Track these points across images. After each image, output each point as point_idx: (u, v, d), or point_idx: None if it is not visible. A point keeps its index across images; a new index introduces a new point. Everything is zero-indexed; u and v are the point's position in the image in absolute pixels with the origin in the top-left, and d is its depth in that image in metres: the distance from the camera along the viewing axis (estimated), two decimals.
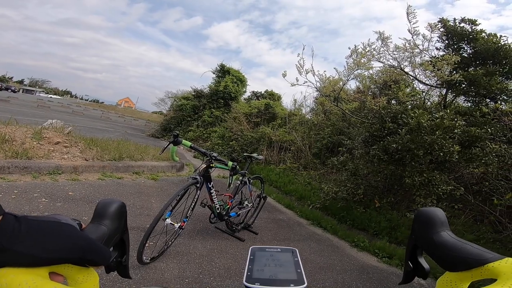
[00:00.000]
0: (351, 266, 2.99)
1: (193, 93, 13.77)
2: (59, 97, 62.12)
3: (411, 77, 5.52)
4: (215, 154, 2.46)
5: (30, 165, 3.51)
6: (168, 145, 2.28)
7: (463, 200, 3.98)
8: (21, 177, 3.30)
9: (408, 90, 5.93)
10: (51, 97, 49.74)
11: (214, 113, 12.46)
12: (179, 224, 2.26)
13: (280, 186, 6.38)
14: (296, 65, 5.13)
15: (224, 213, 2.84)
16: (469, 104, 5.39)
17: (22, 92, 50.11)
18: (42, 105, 18.91)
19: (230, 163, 2.47)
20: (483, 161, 3.62)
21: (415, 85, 6.18)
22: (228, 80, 12.75)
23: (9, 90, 37.92)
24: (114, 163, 4.52)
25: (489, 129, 3.85)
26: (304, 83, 5.33)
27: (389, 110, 3.97)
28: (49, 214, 0.36)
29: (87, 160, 4.21)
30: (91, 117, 19.04)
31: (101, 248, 0.38)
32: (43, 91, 65.74)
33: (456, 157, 3.51)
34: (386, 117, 3.88)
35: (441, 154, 3.42)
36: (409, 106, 4.33)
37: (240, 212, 3.18)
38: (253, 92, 16.22)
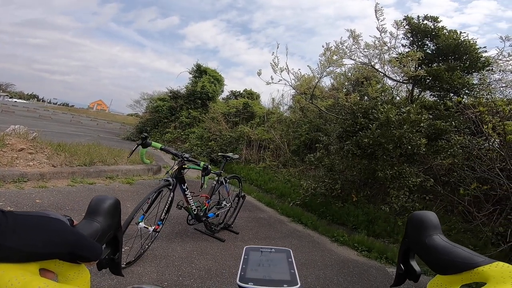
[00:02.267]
0: (332, 261, 3.05)
1: (169, 94, 13.45)
2: (25, 101, 58.17)
3: (381, 74, 5.74)
4: (186, 155, 2.42)
5: None
6: (136, 148, 2.21)
7: (434, 191, 4.11)
8: None
9: (379, 86, 6.17)
10: (15, 101, 46.55)
11: (191, 113, 12.26)
12: (153, 228, 2.20)
13: (260, 185, 6.40)
14: (270, 63, 5.17)
15: (202, 214, 2.81)
16: (435, 99, 5.70)
17: None
18: (6, 110, 17.62)
19: (202, 163, 2.44)
20: (449, 152, 3.81)
21: (385, 81, 6.43)
22: (205, 80, 12.59)
23: None
24: (85, 168, 4.31)
25: (453, 122, 4.06)
26: (279, 81, 5.38)
27: (360, 106, 4.11)
28: (38, 210, 0.35)
29: (54, 167, 3.98)
30: (60, 121, 18.00)
31: (91, 243, 0.37)
32: (7, 95, 61.29)
33: (424, 149, 3.69)
34: (357, 113, 4.01)
35: (409, 147, 3.59)
36: (379, 102, 4.50)
37: (218, 212, 3.15)
38: (231, 91, 16.14)
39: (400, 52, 5.37)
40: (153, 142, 2.26)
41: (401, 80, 5.73)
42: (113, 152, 5.57)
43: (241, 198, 3.59)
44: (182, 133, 11.66)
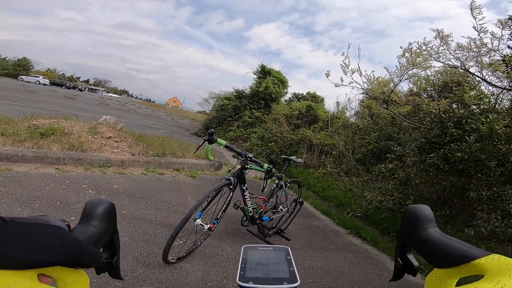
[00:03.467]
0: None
1: (235, 93, 14.00)
2: (118, 96, 68.79)
3: (478, 79, 4.82)
4: (250, 155, 2.35)
5: (84, 157, 3.82)
6: (203, 143, 2.23)
7: None
8: (74, 168, 3.59)
9: (473, 92, 5.19)
10: (111, 95, 55.32)
11: (254, 113, 12.50)
12: (208, 226, 2.20)
13: (318, 191, 6.11)
14: (340, 64, 4.82)
15: (257, 216, 2.73)
16: None
17: (87, 90, 56.60)
18: (103, 103, 21.08)
19: (265, 165, 2.34)
20: None
21: (482, 87, 5.39)
22: (269, 81, 12.69)
23: (76, 89, 43.04)
24: (157, 159, 4.72)
25: None
26: (349, 84, 4.98)
27: (451, 114, 3.46)
28: (37, 215, 0.35)
29: (133, 155, 4.46)
30: (142, 114, 20.64)
31: (90, 249, 0.37)
32: (105, 90, 73.53)
33: None
34: (448, 122, 3.38)
35: None
36: (476, 110, 3.74)
37: (273, 216, 3.04)
38: (294, 93, 15.95)
39: (505, 54, 4.42)
40: (218, 139, 2.26)
41: (506, 87, 4.70)
42: (182, 145, 6.01)
43: (298, 204, 3.40)
44: (244, 132, 11.99)
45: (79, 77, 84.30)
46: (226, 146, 2.31)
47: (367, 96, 7.03)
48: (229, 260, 2.39)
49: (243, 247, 0.56)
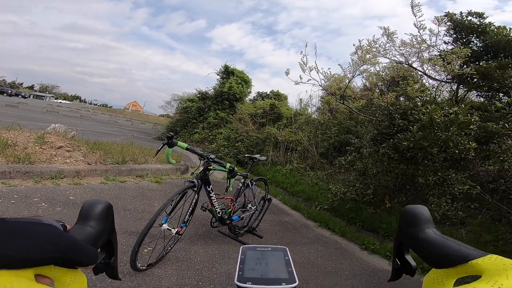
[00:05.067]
0: (361, 270, 2.85)
1: (198, 95, 13.74)
2: (69, 102, 63.28)
3: (420, 73, 5.34)
4: (212, 156, 2.35)
5: (32, 169, 3.48)
6: (162, 147, 2.18)
7: (479, 199, 3.77)
8: (22, 182, 3.27)
9: (417, 86, 5.75)
10: (60, 102, 50.66)
11: (219, 114, 12.41)
12: (176, 230, 2.16)
13: (286, 187, 6.26)
14: (299, 62, 5.01)
15: (226, 217, 2.73)
16: (482, 99, 5.19)
17: (33, 97, 51.25)
18: (51, 110, 19.25)
19: (228, 165, 2.35)
20: (501, 158, 3.42)
21: (424, 81, 5.99)
22: (232, 81, 12.68)
23: (19, 96, 38.70)
24: (117, 166, 4.47)
25: (506, 124, 3.65)
26: (308, 81, 5.20)
27: (398, 106, 3.80)
28: (29, 216, 0.35)
29: (89, 164, 4.17)
30: (98, 121, 19.27)
31: (85, 247, 0.37)
32: (53, 96, 67.21)
33: (473, 154, 3.32)
34: (395, 114, 3.71)
35: (457, 151, 3.24)
36: (419, 102, 4.15)
37: (243, 215, 3.07)
38: (258, 92, 16.13)
39: (442, 49, 4.96)
40: (179, 142, 2.22)
41: (443, 80, 5.27)
42: (144, 151, 5.76)
43: (267, 201, 3.47)
44: (209, 134, 11.84)
45: (21, 83, 76.11)
46: (187, 149, 2.29)
47: (326, 92, 7.38)
48: (203, 263, 2.36)
49: (241, 247, 0.56)
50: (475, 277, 0.34)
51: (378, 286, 2.56)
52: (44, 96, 60.91)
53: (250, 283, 0.45)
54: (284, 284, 0.45)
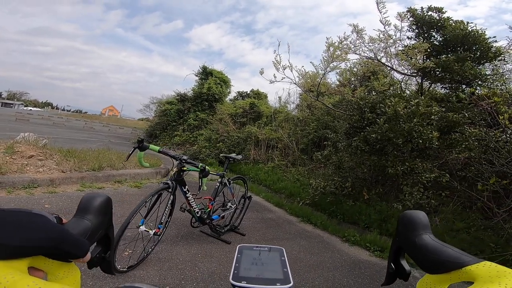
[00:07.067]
0: (342, 262, 2.95)
1: (177, 97, 13.56)
2: (40, 109, 60.14)
3: (388, 68, 5.59)
4: (185, 157, 2.39)
5: (3, 180, 3.35)
6: (133, 151, 2.20)
7: (450, 187, 3.93)
8: None
9: (386, 80, 6.02)
10: (31, 109, 48.07)
11: (199, 116, 12.32)
12: (153, 231, 2.19)
13: (269, 185, 6.34)
14: (273, 61, 5.11)
15: (206, 216, 2.77)
16: (446, 91, 5.50)
17: (1, 105, 48.19)
18: (21, 118, 18.22)
19: (200, 165, 2.40)
20: (464, 146, 3.63)
21: (392, 75, 6.28)
22: (211, 82, 12.62)
23: None
24: (94, 173, 4.37)
25: (466, 114, 3.89)
26: (282, 79, 5.32)
27: (367, 100, 4.00)
28: (21, 208, 0.34)
29: (64, 172, 4.05)
30: (73, 128, 18.48)
31: (77, 239, 0.36)
32: (22, 103, 63.58)
33: (436, 143, 3.54)
34: (364, 108, 3.90)
35: (421, 141, 3.46)
36: (387, 96, 4.37)
37: (224, 214, 3.12)
38: (238, 92, 16.14)
39: (406, 44, 5.22)
40: (150, 145, 2.24)
41: (409, 73, 5.57)
42: (122, 156, 5.63)
43: (247, 199, 3.54)
44: (190, 136, 11.72)
45: None
46: (159, 151, 2.31)
47: (302, 89, 7.55)
48: (185, 263, 2.39)
49: (238, 246, 0.56)
50: (469, 283, 0.34)
51: (358, 277, 2.66)
52: (12, 104, 57.50)
53: (245, 282, 0.45)
54: (278, 284, 0.45)
